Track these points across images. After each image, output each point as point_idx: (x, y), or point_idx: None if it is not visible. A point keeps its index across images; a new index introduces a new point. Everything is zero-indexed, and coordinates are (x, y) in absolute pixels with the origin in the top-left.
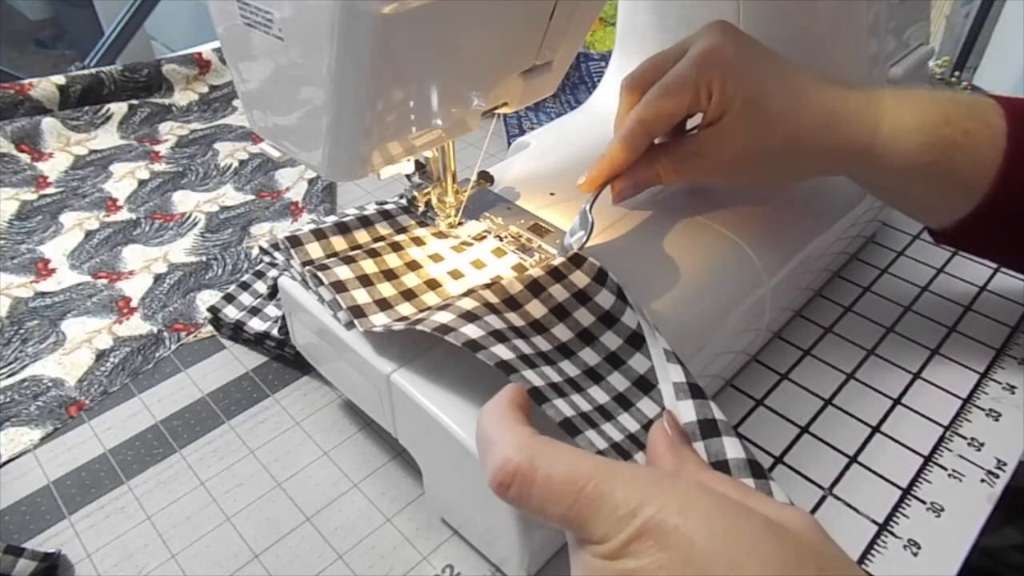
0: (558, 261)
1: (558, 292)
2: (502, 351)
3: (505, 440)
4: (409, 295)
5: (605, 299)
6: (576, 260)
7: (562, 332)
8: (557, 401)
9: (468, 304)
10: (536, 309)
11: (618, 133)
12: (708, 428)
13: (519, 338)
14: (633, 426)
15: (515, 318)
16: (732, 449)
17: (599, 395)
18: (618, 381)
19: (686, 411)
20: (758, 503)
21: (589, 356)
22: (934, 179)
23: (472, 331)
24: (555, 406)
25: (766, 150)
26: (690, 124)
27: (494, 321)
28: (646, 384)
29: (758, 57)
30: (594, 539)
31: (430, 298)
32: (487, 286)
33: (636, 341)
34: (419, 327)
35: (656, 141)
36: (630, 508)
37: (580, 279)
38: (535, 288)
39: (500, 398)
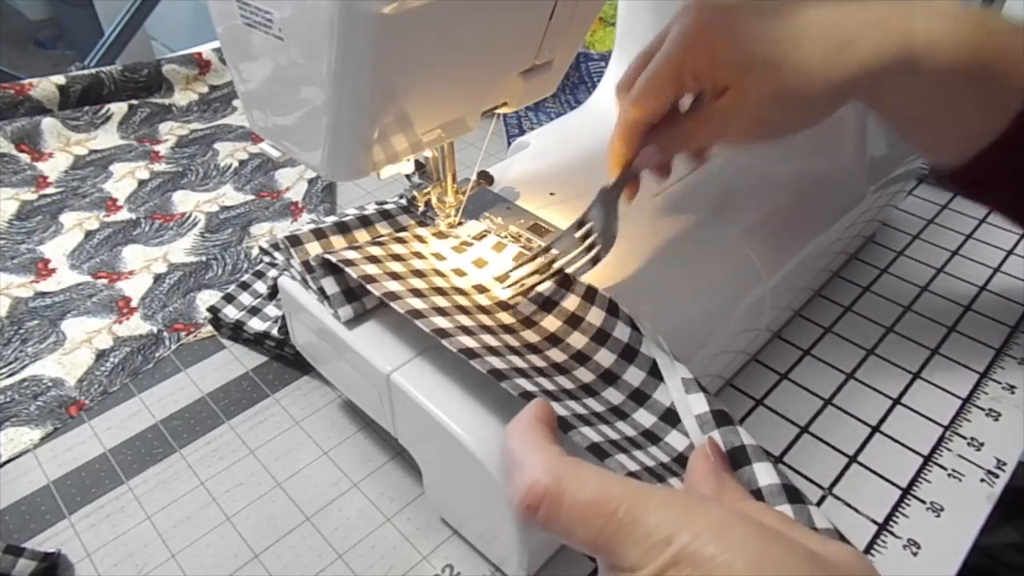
0: (572, 303)
1: (577, 340)
2: (526, 383)
3: (532, 461)
4: (418, 274)
5: (622, 332)
6: (589, 295)
7: (584, 375)
8: (584, 428)
9: (492, 341)
10: (557, 356)
11: (613, 134)
12: (737, 456)
13: (542, 376)
14: (664, 458)
15: (538, 360)
16: (764, 475)
17: (626, 429)
18: (644, 417)
19: None
20: (801, 535)
21: (613, 395)
22: (977, 83)
23: (497, 362)
24: (581, 432)
25: (785, 99)
26: None
27: (517, 361)
28: (673, 417)
29: (740, 18)
30: (625, 566)
31: (438, 280)
32: (506, 328)
33: (659, 371)
34: (444, 341)
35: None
36: (664, 535)
37: (596, 316)
38: (553, 339)
39: (526, 414)
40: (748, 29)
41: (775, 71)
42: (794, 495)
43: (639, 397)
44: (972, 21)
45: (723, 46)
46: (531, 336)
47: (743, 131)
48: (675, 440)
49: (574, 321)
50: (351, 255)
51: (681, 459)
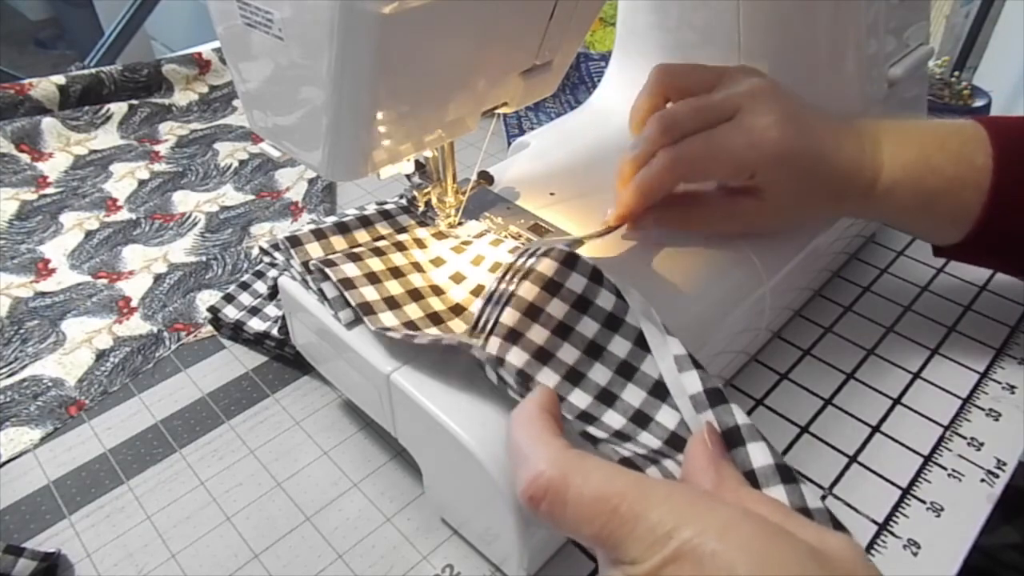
0: (552, 269)
1: (557, 309)
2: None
3: (537, 453)
4: (416, 295)
5: (606, 300)
6: (569, 262)
7: (568, 354)
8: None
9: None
10: (538, 335)
11: (653, 168)
12: (732, 437)
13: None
14: (654, 443)
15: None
16: (758, 456)
17: (614, 420)
18: (633, 395)
19: None
20: (798, 527)
21: (599, 374)
22: (923, 220)
23: (492, 347)
24: (571, 421)
25: (794, 207)
26: None
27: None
28: (663, 389)
29: (805, 115)
30: (627, 560)
31: (435, 302)
32: (487, 331)
33: (645, 341)
34: (444, 342)
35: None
36: (666, 529)
37: (577, 283)
38: (533, 312)
39: (531, 404)
40: (812, 127)
41: (823, 164)
42: (787, 474)
43: (627, 371)
44: (918, 159)
45: (787, 160)
46: (511, 316)
47: (749, 225)
48: (665, 418)
49: (553, 287)
50: (350, 271)
51: (673, 438)
